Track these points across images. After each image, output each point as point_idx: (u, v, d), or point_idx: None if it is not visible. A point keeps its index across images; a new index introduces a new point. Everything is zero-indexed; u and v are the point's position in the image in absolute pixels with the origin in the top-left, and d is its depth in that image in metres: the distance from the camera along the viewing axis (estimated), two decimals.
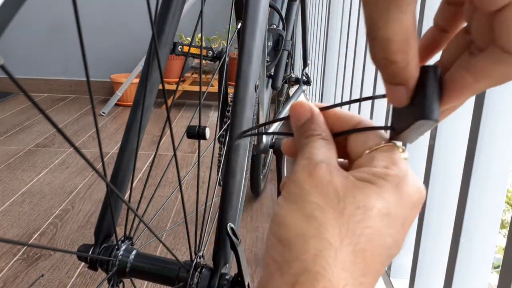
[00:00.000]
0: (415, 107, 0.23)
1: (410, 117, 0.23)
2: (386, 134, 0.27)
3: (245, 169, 0.50)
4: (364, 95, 1.25)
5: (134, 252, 0.49)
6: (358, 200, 0.23)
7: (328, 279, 0.21)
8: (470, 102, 0.69)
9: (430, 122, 0.23)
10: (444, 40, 0.26)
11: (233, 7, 0.65)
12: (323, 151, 0.26)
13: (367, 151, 0.26)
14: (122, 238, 0.50)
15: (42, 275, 1.25)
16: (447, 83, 0.24)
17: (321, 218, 0.23)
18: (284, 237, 0.23)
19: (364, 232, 0.23)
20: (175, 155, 0.45)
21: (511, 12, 0.20)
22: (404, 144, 0.27)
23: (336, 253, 0.22)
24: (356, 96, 1.38)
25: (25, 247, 1.37)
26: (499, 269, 0.58)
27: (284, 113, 1.43)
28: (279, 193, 1.16)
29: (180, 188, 0.49)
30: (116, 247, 0.49)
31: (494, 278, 0.93)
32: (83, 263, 1.31)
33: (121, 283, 0.51)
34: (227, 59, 0.67)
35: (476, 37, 0.23)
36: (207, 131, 0.50)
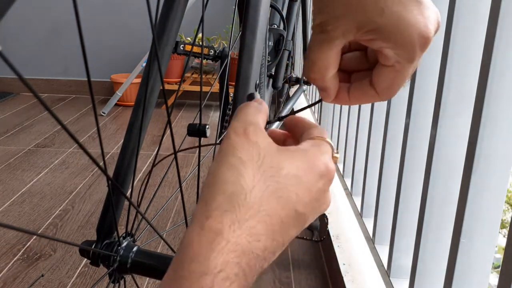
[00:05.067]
0: None
1: None
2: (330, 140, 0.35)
3: None
4: None
5: (135, 249, 0.50)
6: (273, 161, 0.29)
7: (236, 214, 0.27)
8: (471, 101, 0.69)
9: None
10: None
11: (237, 8, 0.65)
12: (254, 116, 0.32)
13: (309, 139, 0.33)
14: (124, 235, 0.51)
15: (42, 275, 1.25)
16: (355, 92, 0.35)
17: (241, 169, 0.28)
18: (211, 182, 0.29)
19: (272, 184, 0.29)
20: (175, 155, 0.46)
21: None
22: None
23: (246, 195, 0.28)
24: None
25: (25, 247, 1.38)
26: (499, 269, 0.59)
27: (285, 112, 1.43)
28: None
29: (181, 188, 0.49)
30: (118, 243, 0.49)
31: (494, 278, 0.94)
32: (83, 264, 1.31)
33: (123, 281, 0.52)
34: (228, 59, 0.67)
35: (371, 59, 0.35)
36: (208, 128, 0.50)
